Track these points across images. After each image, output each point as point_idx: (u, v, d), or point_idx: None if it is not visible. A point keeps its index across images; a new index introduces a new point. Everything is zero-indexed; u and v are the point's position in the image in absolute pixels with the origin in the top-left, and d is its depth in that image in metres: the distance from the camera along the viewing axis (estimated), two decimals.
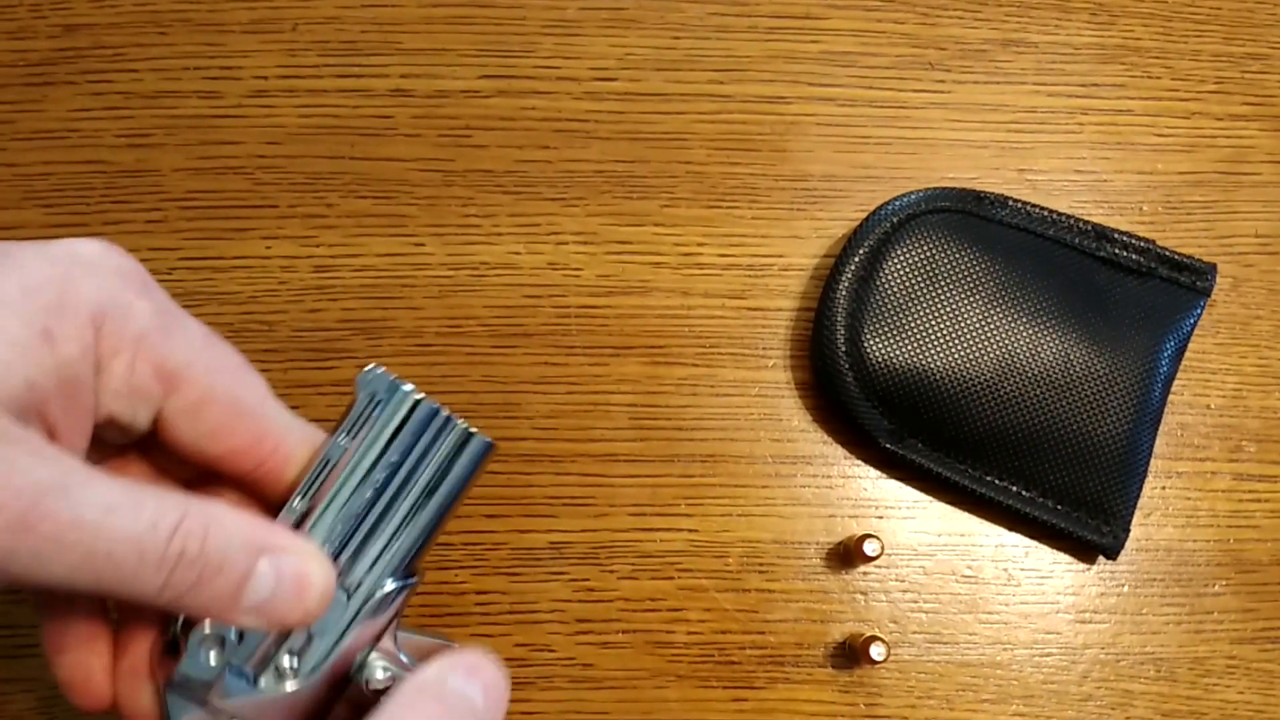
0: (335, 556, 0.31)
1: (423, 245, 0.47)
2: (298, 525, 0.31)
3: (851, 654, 0.43)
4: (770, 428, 0.46)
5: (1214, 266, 0.47)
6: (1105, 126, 0.50)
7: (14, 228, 0.46)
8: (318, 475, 0.31)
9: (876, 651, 0.41)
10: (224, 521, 0.27)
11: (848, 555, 0.44)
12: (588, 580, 0.44)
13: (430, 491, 0.32)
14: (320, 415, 0.44)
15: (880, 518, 0.46)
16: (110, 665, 0.31)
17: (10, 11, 0.48)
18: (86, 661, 0.30)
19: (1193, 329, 0.47)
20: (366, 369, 0.32)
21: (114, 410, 0.29)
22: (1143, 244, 0.47)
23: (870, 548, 0.42)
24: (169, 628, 0.30)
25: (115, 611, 0.32)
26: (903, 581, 0.45)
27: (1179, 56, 0.51)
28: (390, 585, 0.31)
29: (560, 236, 0.47)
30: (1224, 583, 0.46)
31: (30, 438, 0.25)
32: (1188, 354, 0.47)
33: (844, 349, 0.45)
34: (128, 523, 0.25)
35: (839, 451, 0.46)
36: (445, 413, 0.32)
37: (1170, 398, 0.47)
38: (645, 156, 0.48)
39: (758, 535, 0.45)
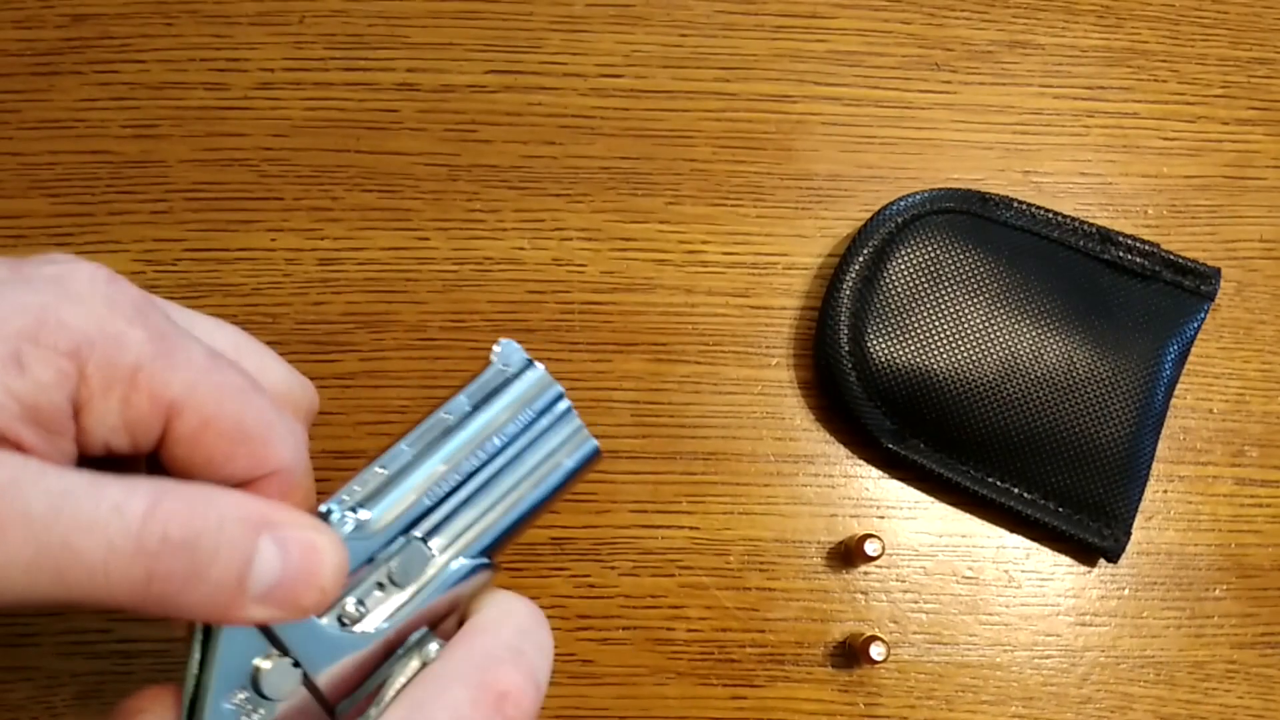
0: (430, 511, 0.29)
1: (427, 239, 0.47)
2: (400, 471, 0.29)
3: (851, 653, 0.43)
4: (773, 426, 0.46)
5: (1218, 271, 0.47)
6: (1111, 129, 0.50)
7: (20, 216, 0.46)
8: (431, 428, 0.30)
9: (876, 651, 0.41)
10: (213, 498, 0.24)
11: (849, 555, 0.44)
12: (589, 576, 0.44)
13: (535, 479, 0.31)
14: (323, 408, 0.44)
15: (881, 518, 0.46)
16: None
17: (18, 1, 0.48)
18: None
19: (1196, 333, 0.47)
20: (503, 341, 0.32)
21: (111, 444, 0.26)
22: (1147, 247, 0.47)
23: (871, 547, 0.42)
24: None
25: None
26: (903, 582, 0.45)
27: (1186, 60, 0.51)
28: (474, 562, 0.30)
29: (565, 232, 0.47)
30: (1225, 587, 0.46)
31: None
32: (1191, 358, 0.47)
33: (847, 348, 0.45)
34: (86, 508, 0.22)
35: (841, 451, 0.46)
36: (568, 404, 0.31)
37: (1173, 401, 0.47)
38: (650, 153, 0.48)
39: (759, 533, 0.45)
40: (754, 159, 0.48)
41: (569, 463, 0.31)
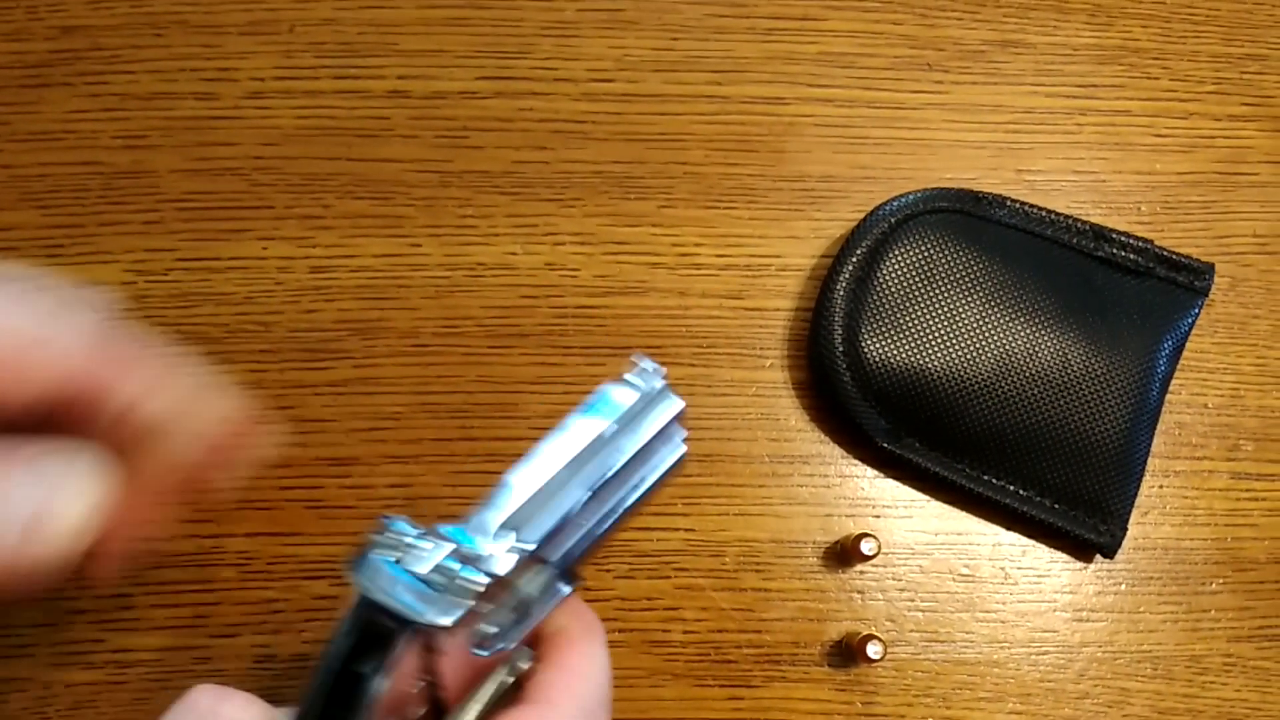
0: (571, 541, 0.29)
1: (419, 246, 0.47)
2: (554, 496, 0.29)
3: (848, 653, 0.43)
4: (767, 427, 0.46)
5: (1212, 266, 0.47)
6: (1103, 127, 0.50)
7: (10, 229, 0.46)
8: (588, 454, 0.29)
9: (873, 650, 0.41)
10: None
11: (845, 554, 0.44)
12: (584, 580, 0.44)
13: (639, 493, 0.31)
14: (316, 415, 0.44)
15: (877, 517, 0.46)
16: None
17: (7, 14, 0.48)
18: None
19: (1190, 328, 0.47)
20: (644, 361, 0.31)
21: None
22: (1141, 244, 0.47)
23: (867, 547, 0.42)
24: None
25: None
26: (899, 580, 0.45)
27: (1177, 57, 0.51)
28: (572, 586, 0.30)
29: (557, 237, 0.47)
30: (1221, 581, 0.46)
31: None
32: (1185, 353, 0.47)
33: (841, 349, 0.45)
34: None
35: (836, 451, 0.46)
36: (684, 433, 0.31)
37: (1168, 397, 0.47)
38: (643, 157, 0.48)
39: (754, 534, 0.45)
40: (747, 161, 0.48)
41: (662, 477, 0.31)
